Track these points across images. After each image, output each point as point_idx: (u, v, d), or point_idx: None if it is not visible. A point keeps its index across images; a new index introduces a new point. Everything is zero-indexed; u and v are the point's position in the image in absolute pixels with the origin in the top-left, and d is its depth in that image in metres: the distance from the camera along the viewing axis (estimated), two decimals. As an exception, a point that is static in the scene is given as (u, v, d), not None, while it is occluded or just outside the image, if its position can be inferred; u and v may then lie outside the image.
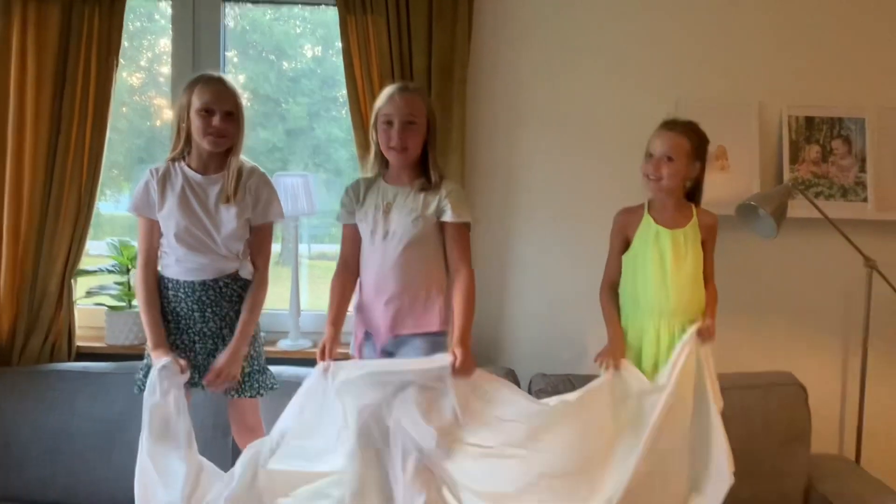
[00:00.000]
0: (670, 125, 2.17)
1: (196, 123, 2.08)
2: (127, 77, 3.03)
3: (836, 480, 2.40)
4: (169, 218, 2.11)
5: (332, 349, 2.07)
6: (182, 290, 2.13)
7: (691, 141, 2.15)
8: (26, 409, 2.39)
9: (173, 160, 2.15)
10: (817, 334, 2.76)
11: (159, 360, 2.06)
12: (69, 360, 2.61)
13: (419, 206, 2.11)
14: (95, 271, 2.69)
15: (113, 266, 2.71)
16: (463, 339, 2.03)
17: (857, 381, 2.64)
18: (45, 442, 2.37)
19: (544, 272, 2.78)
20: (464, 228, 2.15)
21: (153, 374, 2.05)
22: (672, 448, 2.03)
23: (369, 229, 2.13)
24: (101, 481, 2.35)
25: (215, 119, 2.08)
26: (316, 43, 3.03)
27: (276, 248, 2.81)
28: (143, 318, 2.13)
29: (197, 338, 2.14)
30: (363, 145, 2.50)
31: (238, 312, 2.16)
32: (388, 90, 2.12)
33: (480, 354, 2.76)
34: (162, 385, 2.04)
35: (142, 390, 2.12)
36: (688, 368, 2.05)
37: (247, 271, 2.18)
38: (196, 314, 2.13)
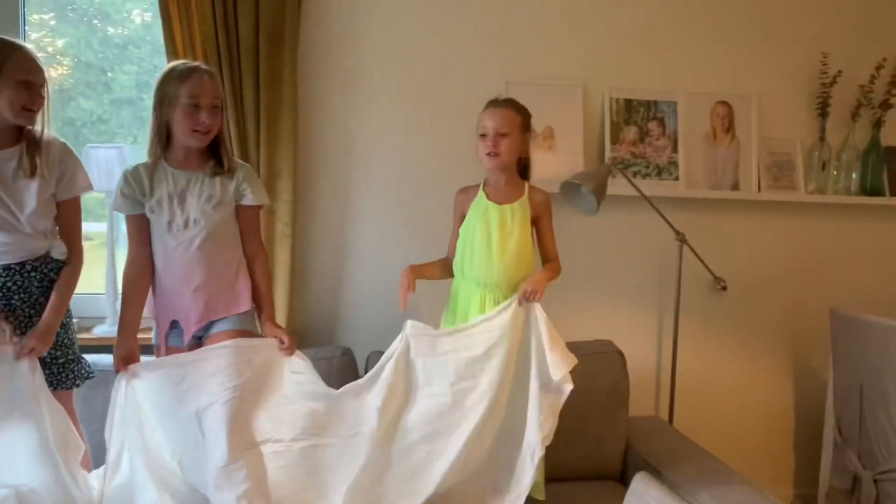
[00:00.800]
0: (497, 102, 2.21)
1: (10, 96, 1.86)
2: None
3: (651, 440, 2.57)
4: None
5: (136, 357, 2.02)
6: None
7: (520, 114, 2.21)
8: None
9: None
10: (635, 303, 2.94)
11: None
12: None
13: (217, 191, 2.05)
14: None
15: None
16: (275, 320, 2.17)
17: (671, 346, 2.85)
18: None
19: (381, 250, 2.77)
20: (259, 210, 2.18)
21: None
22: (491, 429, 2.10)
23: (165, 219, 2.03)
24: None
25: (34, 93, 1.90)
26: (145, 8, 2.81)
27: (103, 227, 2.62)
28: None
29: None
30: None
31: (49, 298, 1.97)
32: (185, 69, 2.00)
33: (317, 334, 2.74)
34: None
35: None
36: (510, 337, 2.09)
37: (59, 251, 1.99)
38: (0, 302, 1.92)
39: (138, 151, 2.66)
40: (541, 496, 2.21)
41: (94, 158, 2.50)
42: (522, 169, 2.29)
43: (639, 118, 2.85)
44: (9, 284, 1.93)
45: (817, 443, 2.94)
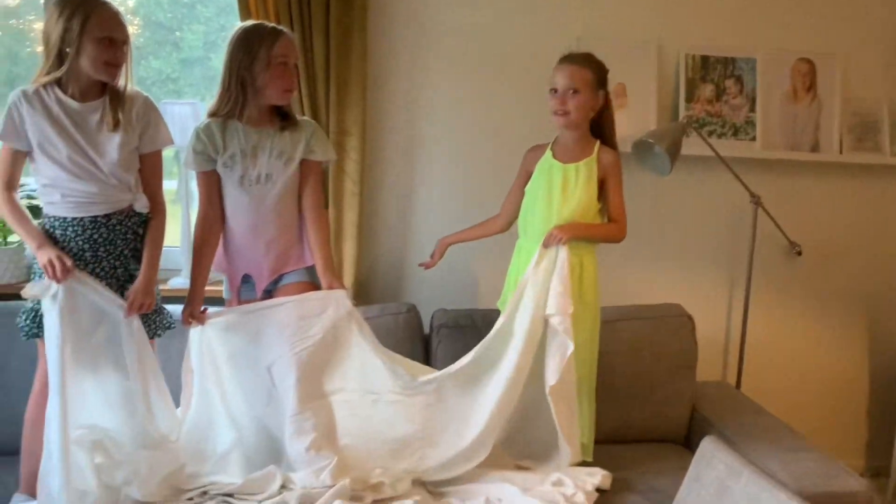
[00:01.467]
0: (570, 58, 2.17)
1: (92, 52, 1.90)
2: (1, -2, 2.78)
3: (717, 405, 2.53)
4: (48, 147, 1.95)
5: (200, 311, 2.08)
6: (70, 229, 1.98)
7: (593, 71, 2.15)
8: None
9: (45, 85, 1.97)
10: (706, 267, 2.88)
11: (47, 255, 1.89)
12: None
13: (288, 147, 2.08)
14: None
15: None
16: (333, 270, 2.16)
17: (741, 311, 2.79)
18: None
19: (447, 208, 2.77)
20: (323, 167, 2.22)
21: (50, 291, 1.88)
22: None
23: (238, 175, 2.07)
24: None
25: (116, 49, 1.94)
26: (213, -34, 2.85)
27: (173, 183, 2.69)
28: (17, 227, 1.97)
29: None
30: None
31: (133, 251, 2.05)
32: (272, 29, 2.03)
33: (383, 290, 2.78)
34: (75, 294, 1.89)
35: (29, 336, 2.00)
36: (534, 280, 2.09)
37: (141, 205, 2.05)
38: (87, 254, 1.99)
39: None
40: (588, 457, 2.20)
41: (169, 114, 2.54)
42: (602, 128, 2.23)
43: (715, 76, 2.75)
44: (95, 237, 2.00)
45: (891, 413, 2.87)
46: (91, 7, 1.92)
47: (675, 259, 2.86)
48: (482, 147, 2.74)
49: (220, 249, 2.15)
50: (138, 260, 2.05)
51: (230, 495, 1.90)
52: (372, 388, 2.09)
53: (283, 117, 2.11)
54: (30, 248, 1.97)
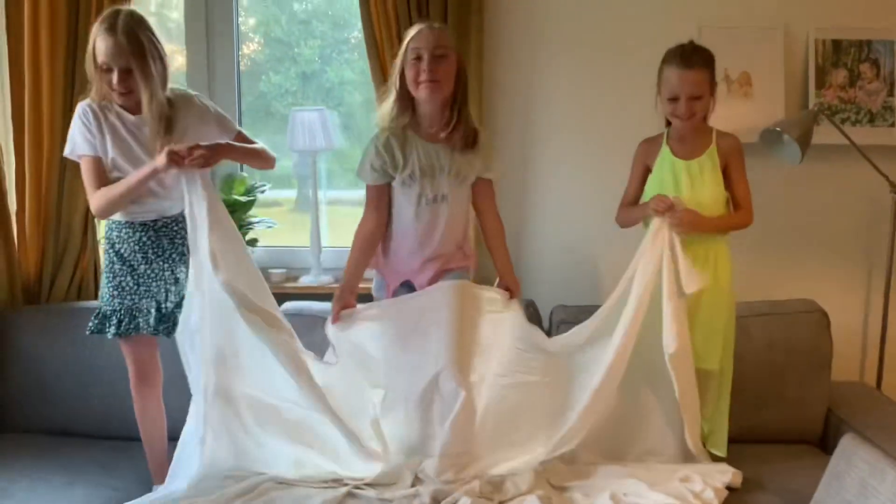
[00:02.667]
0: (685, 61, 2.08)
1: (102, 75, 1.97)
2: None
3: (855, 405, 2.42)
4: (112, 157, 2.03)
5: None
6: (124, 231, 2.10)
7: (709, 68, 2.11)
8: (57, 345, 2.44)
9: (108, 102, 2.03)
10: (841, 262, 2.74)
11: (161, 155, 1.90)
12: (97, 299, 2.65)
13: (465, 168, 2.11)
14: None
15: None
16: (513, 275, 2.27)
17: (880, 308, 2.64)
18: (77, 377, 2.42)
19: (564, 203, 2.77)
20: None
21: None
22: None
23: (416, 193, 2.09)
24: (133, 415, 2.38)
25: (114, 77, 1.94)
26: (328, -19, 2.99)
27: (292, 193, 2.81)
28: (124, 185, 1.99)
29: (141, 280, 2.11)
30: (380, 83, 2.45)
31: (181, 255, 2.12)
32: (414, 27, 2.07)
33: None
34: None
35: (93, 331, 2.12)
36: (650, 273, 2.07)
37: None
38: (138, 255, 2.10)
39: (332, 116, 2.82)
40: (722, 453, 2.15)
41: (298, 121, 2.69)
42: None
43: (849, 60, 2.61)
44: (144, 239, 2.09)
45: None
46: (98, 25, 1.94)
47: (807, 253, 2.73)
48: (599, 141, 2.71)
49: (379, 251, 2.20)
50: (185, 264, 2.08)
51: (367, 485, 1.96)
52: (501, 371, 2.11)
53: (461, 134, 2.09)
54: (149, 171, 1.95)
